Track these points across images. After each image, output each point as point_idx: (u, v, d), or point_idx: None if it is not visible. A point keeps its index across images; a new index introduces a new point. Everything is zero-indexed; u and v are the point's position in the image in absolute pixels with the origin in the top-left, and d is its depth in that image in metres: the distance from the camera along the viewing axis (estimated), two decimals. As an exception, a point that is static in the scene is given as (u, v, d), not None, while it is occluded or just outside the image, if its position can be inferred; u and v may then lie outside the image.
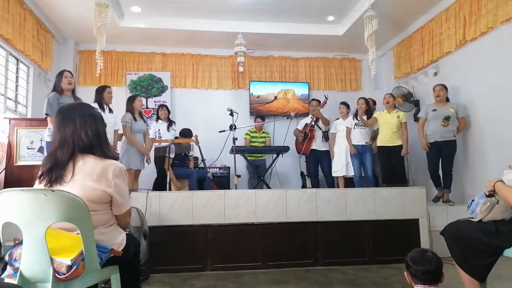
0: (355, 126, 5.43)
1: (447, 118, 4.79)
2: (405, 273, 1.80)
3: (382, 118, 5.31)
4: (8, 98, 5.10)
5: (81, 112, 1.85)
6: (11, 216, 1.58)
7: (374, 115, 5.40)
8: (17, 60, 5.35)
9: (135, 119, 4.94)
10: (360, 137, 5.39)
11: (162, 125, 5.62)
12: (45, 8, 5.55)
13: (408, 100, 6.25)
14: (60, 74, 4.25)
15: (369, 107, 5.54)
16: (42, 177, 1.73)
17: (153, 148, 5.39)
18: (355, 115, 5.52)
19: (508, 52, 4.39)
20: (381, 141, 5.28)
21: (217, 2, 5.72)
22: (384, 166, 5.37)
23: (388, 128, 5.21)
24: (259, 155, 6.39)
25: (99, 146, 1.81)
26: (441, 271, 1.73)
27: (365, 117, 5.42)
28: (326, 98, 5.98)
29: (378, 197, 4.18)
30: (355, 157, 5.39)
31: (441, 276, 1.72)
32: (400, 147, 5.17)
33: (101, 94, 4.67)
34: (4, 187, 4.37)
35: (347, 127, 5.52)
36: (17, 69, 5.40)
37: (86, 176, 1.72)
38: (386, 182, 5.20)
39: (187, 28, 6.39)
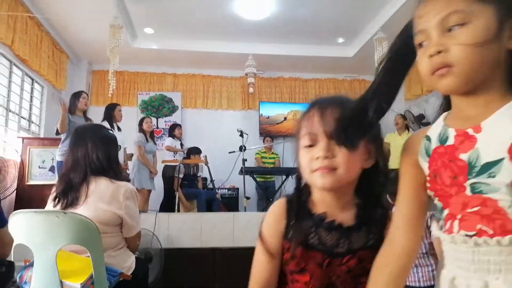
0: None
1: None
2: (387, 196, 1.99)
3: (393, 140, 5.29)
4: (22, 117, 5.17)
5: (94, 135, 1.86)
6: (23, 237, 1.57)
7: (386, 139, 5.36)
8: (32, 80, 5.45)
9: (147, 140, 5.01)
10: None
11: (177, 142, 5.67)
12: (61, 29, 5.69)
13: (419, 123, 6.21)
14: (77, 95, 4.34)
15: None
16: (57, 199, 1.73)
17: (163, 167, 5.40)
18: None
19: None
20: (392, 164, 5.23)
21: (228, 24, 5.81)
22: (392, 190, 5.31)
23: (398, 151, 5.17)
24: (268, 176, 6.36)
25: (110, 169, 1.82)
26: None
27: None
28: None
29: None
30: None
31: None
32: None
33: (112, 112, 4.74)
34: (15, 206, 4.38)
35: None
36: (32, 88, 5.50)
37: (98, 198, 1.72)
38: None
39: (198, 49, 6.48)
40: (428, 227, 1.90)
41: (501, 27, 0.69)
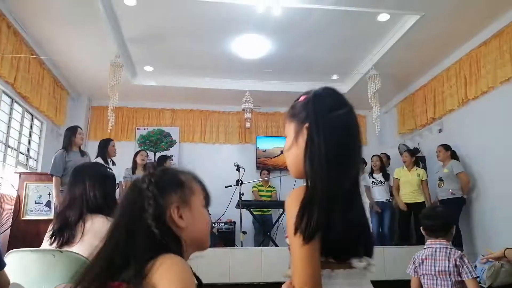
0: (373, 184, 5.48)
1: (440, 179, 4.98)
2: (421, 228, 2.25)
3: (403, 176, 5.38)
4: (20, 152, 5.22)
5: (92, 173, 1.90)
6: (18, 276, 1.58)
7: (395, 174, 5.47)
8: (32, 116, 5.54)
9: (134, 173, 5.04)
10: (380, 194, 5.41)
11: None
12: (62, 67, 5.84)
13: (414, 156, 6.29)
14: (73, 131, 4.40)
15: (383, 164, 5.63)
16: (53, 237, 1.74)
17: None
18: (371, 173, 5.59)
19: (510, 110, 4.48)
20: (402, 198, 5.32)
21: (226, 62, 5.98)
22: (403, 224, 5.36)
23: (409, 185, 5.30)
24: (265, 209, 6.34)
25: (107, 207, 1.84)
26: (447, 226, 2.13)
27: (379, 175, 5.47)
28: None
29: (387, 256, 4.08)
30: (374, 214, 5.38)
31: (447, 231, 2.13)
32: (422, 204, 5.21)
33: (106, 147, 4.80)
34: (9, 242, 4.34)
35: (365, 185, 5.56)
36: (31, 124, 5.58)
37: (94, 236, 1.74)
38: (401, 239, 5.15)
39: (196, 86, 6.64)
40: (457, 266, 2.05)
41: (297, 135, 1.00)
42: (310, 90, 1.07)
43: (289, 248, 0.94)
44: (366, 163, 5.93)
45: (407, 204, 5.28)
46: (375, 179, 5.51)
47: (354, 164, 0.99)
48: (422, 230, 2.25)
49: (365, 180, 5.63)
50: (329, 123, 0.97)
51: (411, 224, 5.39)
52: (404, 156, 5.50)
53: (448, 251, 2.06)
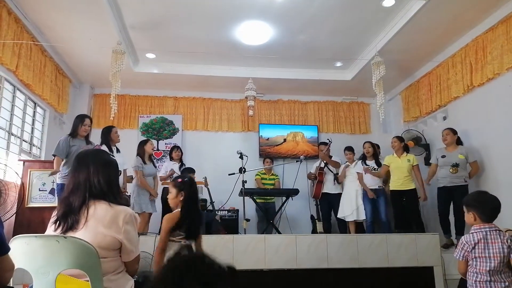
0: (366, 171, 5.43)
1: (455, 165, 4.81)
2: (468, 213, 2.29)
3: (393, 162, 5.30)
4: (23, 140, 5.22)
5: (96, 159, 1.89)
6: (23, 262, 1.59)
7: (385, 161, 5.39)
8: (35, 103, 5.53)
9: (144, 163, 5.03)
10: (371, 181, 5.36)
11: (175, 165, 5.73)
12: (64, 55, 5.81)
13: (418, 144, 6.24)
14: (81, 120, 4.38)
15: (375, 151, 5.58)
16: (57, 223, 1.74)
17: (162, 189, 5.41)
18: (364, 160, 5.54)
19: (516, 97, 4.43)
20: (393, 185, 5.24)
21: (229, 49, 5.92)
22: (397, 211, 5.30)
23: (399, 172, 5.20)
24: (268, 197, 6.35)
25: (111, 193, 1.83)
26: (499, 210, 2.25)
27: (372, 162, 5.46)
28: (329, 141, 6.03)
29: (391, 244, 4.08)
30: (368, 201, 5.33)
31: (497, 215, 2.24)
32: (413, 190, 5.13)
33: (109, 135, 4.78)
34: (14, 229, 4.37)
35: (357, 172, 5.52)
36: (34, 112, 5.57)
37: (97, 222, 1.73)
38: (399, 227, 5.11)
39: (199, 73, 6.60)
40: (510, 247, 2.18)
41: (178, 194, 2.58)
42: (186, 176, 2.58)
43: None
44: (354, 153, 5.90)
45: (399, 191, 5.17)
46: (368, 165, 5.46)
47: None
48: (470, 214, 2.29)
49: (357, 167, 5.60)
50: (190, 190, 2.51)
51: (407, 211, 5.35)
52: (393, 141, 5.41)
53: (498, 233, 2.18)
